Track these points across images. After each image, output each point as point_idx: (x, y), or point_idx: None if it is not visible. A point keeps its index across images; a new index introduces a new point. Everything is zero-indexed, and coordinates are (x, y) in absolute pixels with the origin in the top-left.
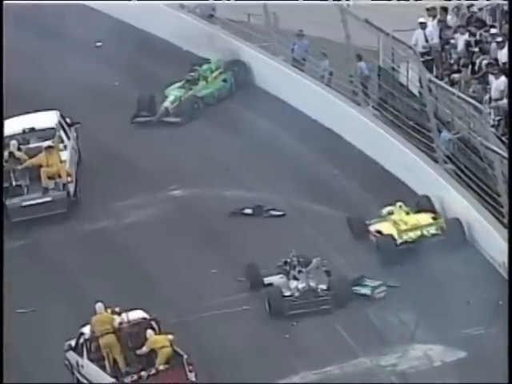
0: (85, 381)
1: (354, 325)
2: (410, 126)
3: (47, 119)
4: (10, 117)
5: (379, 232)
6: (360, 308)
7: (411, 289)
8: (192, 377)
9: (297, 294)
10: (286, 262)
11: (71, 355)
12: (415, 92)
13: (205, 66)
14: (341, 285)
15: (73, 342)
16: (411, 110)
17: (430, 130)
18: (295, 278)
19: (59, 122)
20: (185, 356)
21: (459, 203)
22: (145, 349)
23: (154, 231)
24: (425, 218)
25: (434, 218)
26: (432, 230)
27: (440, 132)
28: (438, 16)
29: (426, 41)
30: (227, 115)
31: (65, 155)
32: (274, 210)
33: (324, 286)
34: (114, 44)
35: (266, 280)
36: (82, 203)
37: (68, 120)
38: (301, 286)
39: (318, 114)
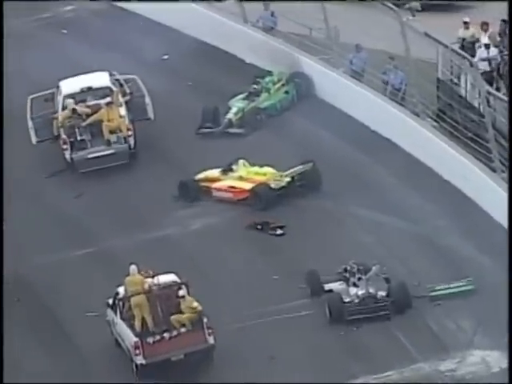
0: (118, 338)
1: (413, 331)
2: (468, 137)
3: (101, 79)
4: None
5: (232, 187)
6: (419, 314)
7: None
8: (211, 340)
9: (357, 301)
10: (345, 270)
11: (109, 312)
12: (474, 103)
13: (267, 78)
14: (400, 291)
15: (111, 301)
16: (469, 121)
17: (488, 140)
18: (355, 285)
19: (111, 81)
20: (205, 319)
21: None
22: (187, 304)
23: (217, 238)
24: (271, 170)
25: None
26: (298, 177)
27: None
28: (498, 28)
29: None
30: (289, 126)
31: (123, 110)
32: (279, 227)
33: (383, 293)
34: (180, 57)
35: (327, 286)
36: (147, 210)
37: (121, 78)
38: (360, 292)
39: (377, 124)
